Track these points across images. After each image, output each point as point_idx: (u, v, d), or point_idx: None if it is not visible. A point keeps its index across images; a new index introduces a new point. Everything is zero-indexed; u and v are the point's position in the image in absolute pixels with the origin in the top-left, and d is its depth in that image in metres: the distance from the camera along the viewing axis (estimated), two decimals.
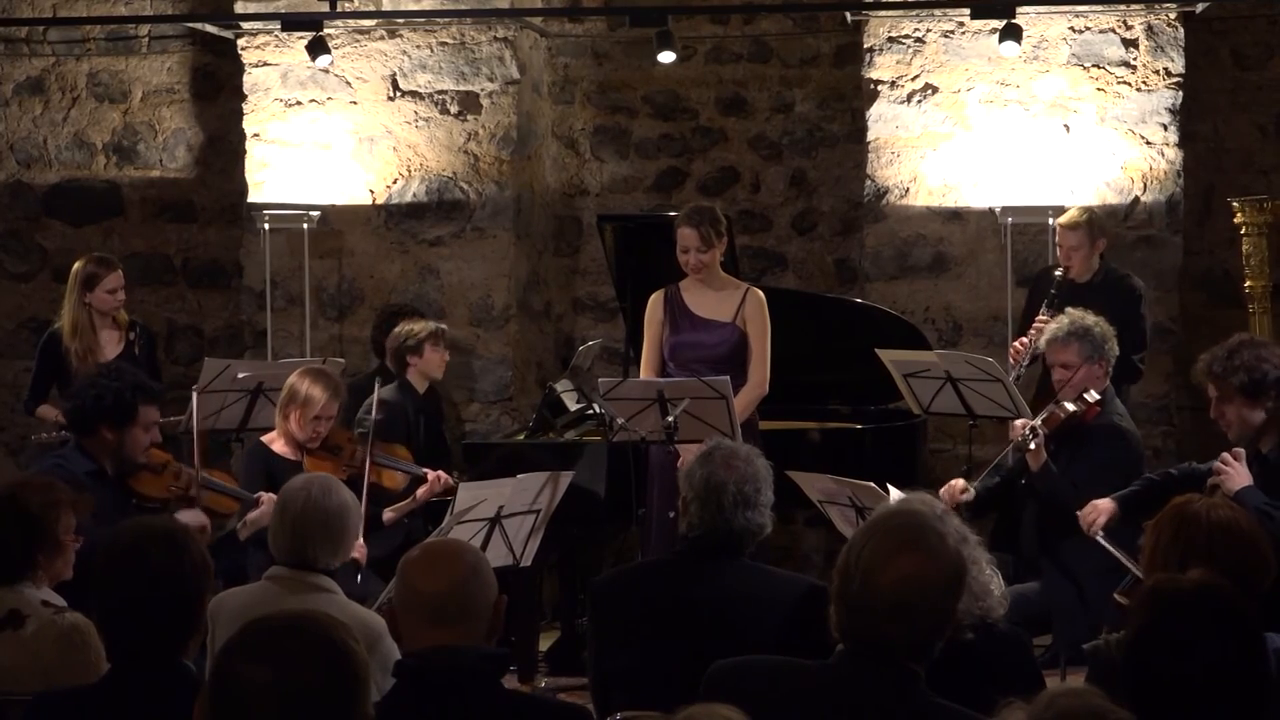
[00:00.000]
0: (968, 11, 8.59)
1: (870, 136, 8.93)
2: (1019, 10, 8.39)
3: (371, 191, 9.15)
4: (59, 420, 7.43)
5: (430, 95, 9.12)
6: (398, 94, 9.13)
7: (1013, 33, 8.37)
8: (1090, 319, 6.55)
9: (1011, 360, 7.71)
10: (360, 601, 5.05)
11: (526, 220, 9.35)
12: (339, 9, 8.90)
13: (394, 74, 9.13)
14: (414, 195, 9.13)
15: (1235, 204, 8.54)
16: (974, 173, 8.80)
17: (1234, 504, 4.37)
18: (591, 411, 7.93)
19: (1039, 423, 6.35)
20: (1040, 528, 6.43)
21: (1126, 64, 8.71)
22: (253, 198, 9.20)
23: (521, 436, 8.07)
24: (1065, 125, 8.75)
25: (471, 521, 5.98)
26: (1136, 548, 4.47)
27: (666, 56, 8.74)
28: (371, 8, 9.13)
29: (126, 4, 10.11)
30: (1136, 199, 8.74)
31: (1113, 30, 8.72)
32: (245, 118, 9.24)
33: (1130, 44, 8.72)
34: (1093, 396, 6.42)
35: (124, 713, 3.45)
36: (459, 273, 9.12)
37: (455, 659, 3.27)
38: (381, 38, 9.14)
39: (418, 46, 9.13)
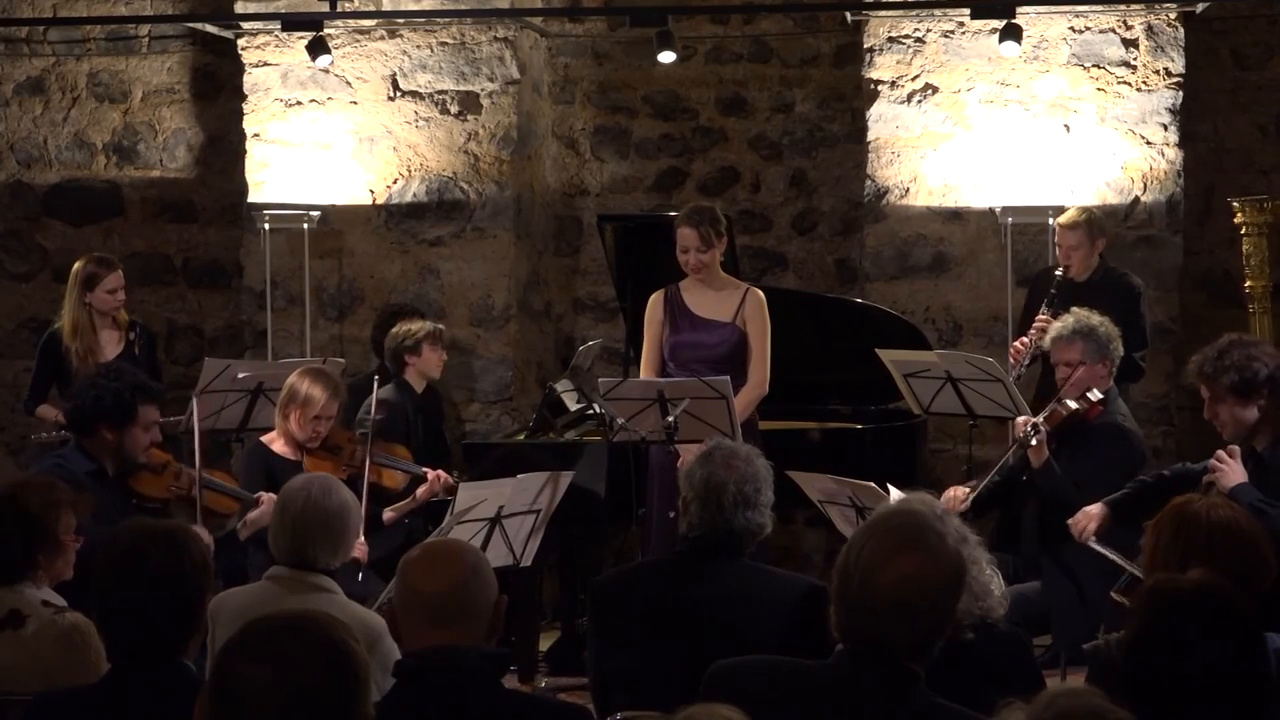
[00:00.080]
0: (968, 11, 8.59)
1: (870, 136, 8.93)
2: (1019, 10, 8.39)
3: (372, 191, 9.15)
4: (59, 420, 7.43)
5: (430, 95, 9.12)
6: (398, 94, 9.13)
7: (1013, 33, 8.37)
8: (1096, 319, 6.56)
9: (1012, 360, 7.72)
10: (360, 601, 5.04)
11: (527, 220, 9.35)
12: (339, 9, 8.90)
13: (394, 74, 9.13)
14: (414, 195, 9.13)
15: (1235, 204, 8.54)
16: (974, 173, 8.80)
17: (1234, 504, 4.36)
18: (591, 411, 7.93)
19: (1041, 419, 6.37)
20: (1041, 527, 6.43)
21: (1127, 64, 8.71)
22: (253, 198, 9.20)
23: (521, 436, 8.07)
24: (1065, 125, 8.75)
25: (471, 521, 5.98)
26: (1137, 549, 4.47)
27: (666, 56, 8.74)
28: (371, 8, 9.13)
29: (127, 4, 10.11)
30: (1136, 199, 8.74)
31: (1113, 30, 8.72)
32: (245, 118, 9.24)
33: (1130, 44, 8.72)
34: (1095, 395, 6.44)
35: (124, 713, 3.45)
36: (459, 273, 9.12)
37: (455, 659, 3.27)
38: (382, 38, 9.14)
39: (418, 46, 9.13)
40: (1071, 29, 8.73)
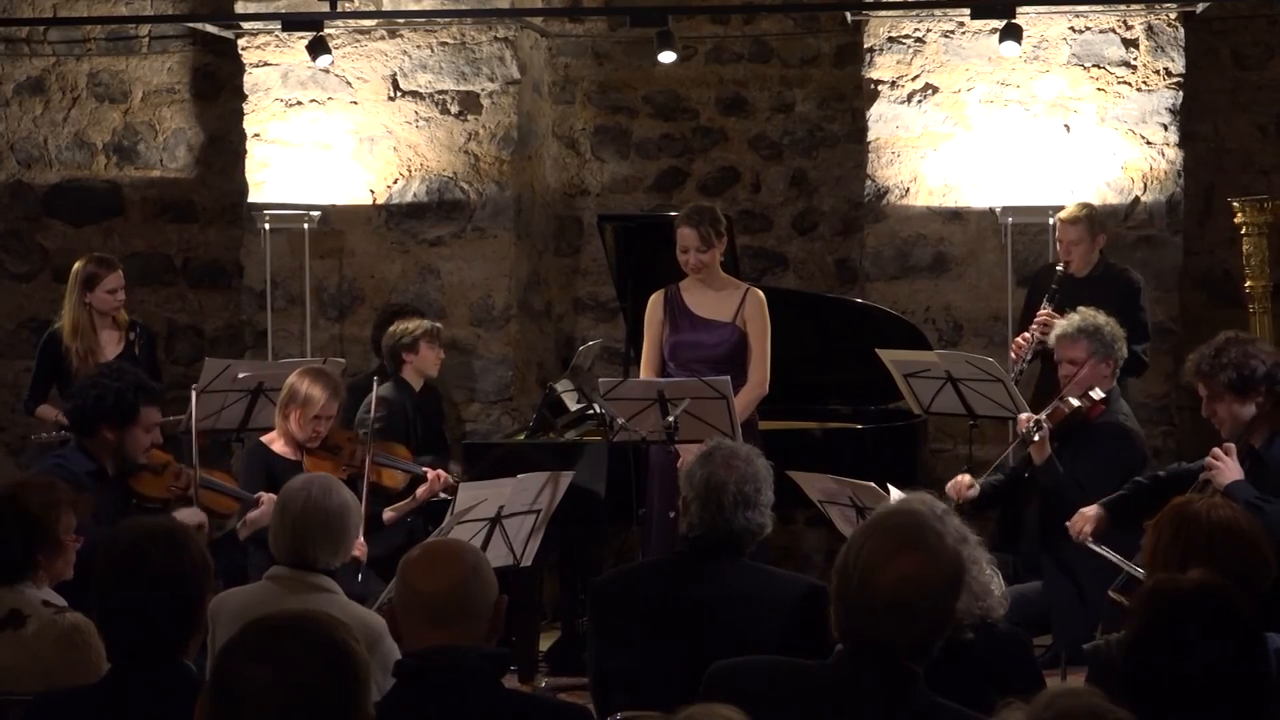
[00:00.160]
0: (968, 11, 8.59)
1: (870, 136, 8.93)
2: (1019, 10, 8.39)
3: (372, 191, 9.15)
4: (59, 420, 7.43)
5: (431, 95, 9.12)
6: (398, 94, 9.13)
7: (1013, 33, 8.38)
8: (1102, 318, 6.57)
9: (1013, 356, 7.74)
10: (360, 601, 5.05)
11: (527, 220, 9.35)
12: (339, 9, 8.91)
13: (394, 74, 9.13)
14: (414, 195, 9.13)
15: (1235, 204, 8.54)
16: (974, 173, 8.80)
17: (1234, 504, 4.36)
18: (592, 411, 7.93)
19: (1044, 416, 6.38)
20: (1042, 527, 6.44)
21: (1127, 64, 8.71)
22: (253, 198, 9.20)
23: (522, 436, 8.07)
24: (1065, 125, 8.75)
25: (472, 521, 5.98)
26: (1137, 549, 4.47)
27: (667, 56, 8.74)
28: (372, 8, 9.13)
29: (127, 4, 10.11)
30: (1137, 199, 8.74)
31: (1113, 30, 8.72)
32: (246, 118, 9.24)
33: (1130, 44, 8.72)
34: (1098, 394, 6.45)
35: (124, 713, 3.45)
36: (459, 273, 9.12)
37: (455, 659, 3.27)
38: (382, 38, 9.14)
39: (418, 46, 9.13)
40: (1071, 29, 8.73)
